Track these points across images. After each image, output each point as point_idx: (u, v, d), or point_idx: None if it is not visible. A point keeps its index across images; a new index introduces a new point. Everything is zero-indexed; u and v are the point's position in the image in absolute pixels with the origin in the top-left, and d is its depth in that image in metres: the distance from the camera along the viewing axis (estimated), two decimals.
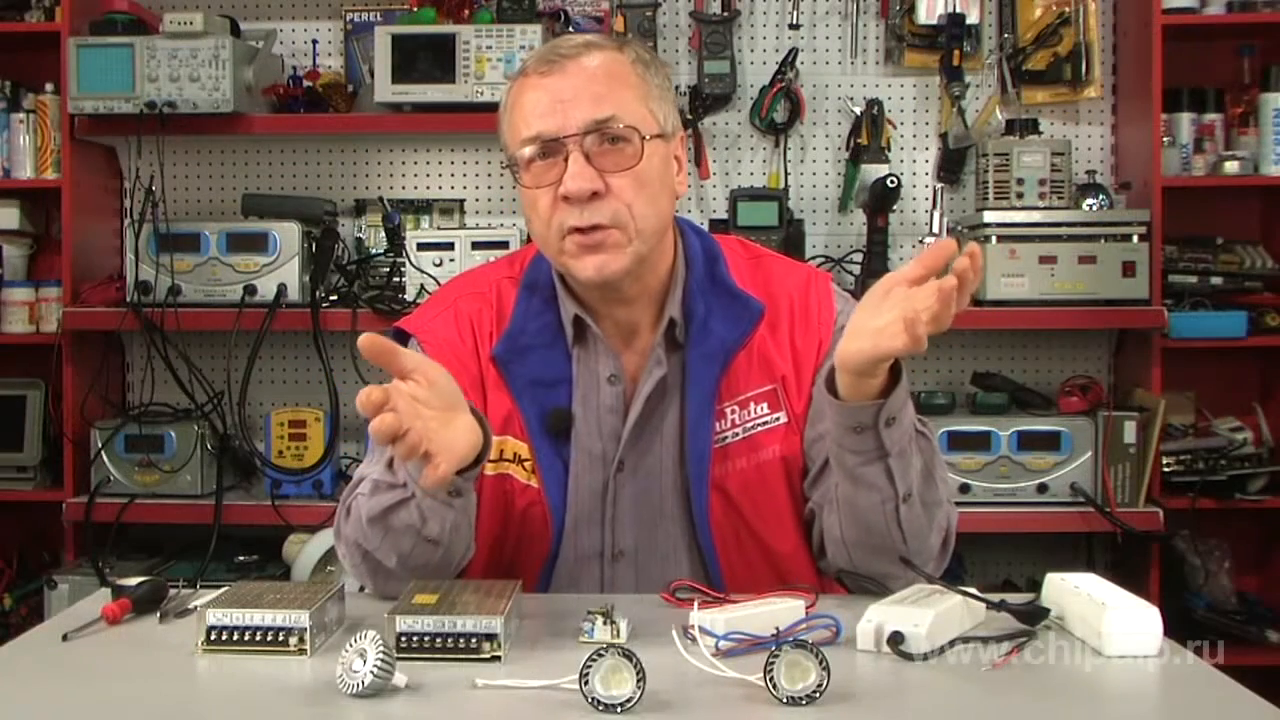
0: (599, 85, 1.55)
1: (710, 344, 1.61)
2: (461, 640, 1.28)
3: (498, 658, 1.28)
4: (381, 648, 1.18)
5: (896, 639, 1.30)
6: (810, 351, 1.65)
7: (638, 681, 1.14)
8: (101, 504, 3.09)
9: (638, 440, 1.63)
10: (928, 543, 1.56)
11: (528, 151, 1.55)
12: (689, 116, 3.32)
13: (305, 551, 2.93)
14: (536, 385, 1.62)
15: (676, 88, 3.31)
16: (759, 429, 1.63)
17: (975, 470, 3.01)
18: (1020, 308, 3.06)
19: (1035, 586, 1.49)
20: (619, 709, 1.14)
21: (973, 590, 1.41)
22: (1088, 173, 3.27)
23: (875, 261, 3.15)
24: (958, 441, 3.01)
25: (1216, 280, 3.18)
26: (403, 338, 1.72)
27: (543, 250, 1.62)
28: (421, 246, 3.11)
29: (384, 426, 1.28)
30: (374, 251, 3.33)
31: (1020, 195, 3.10)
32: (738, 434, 1.63)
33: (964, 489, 3.00)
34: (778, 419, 1.63)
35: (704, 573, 1.64)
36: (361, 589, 1.73)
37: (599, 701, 1.14)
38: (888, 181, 3.06)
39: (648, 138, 1.56)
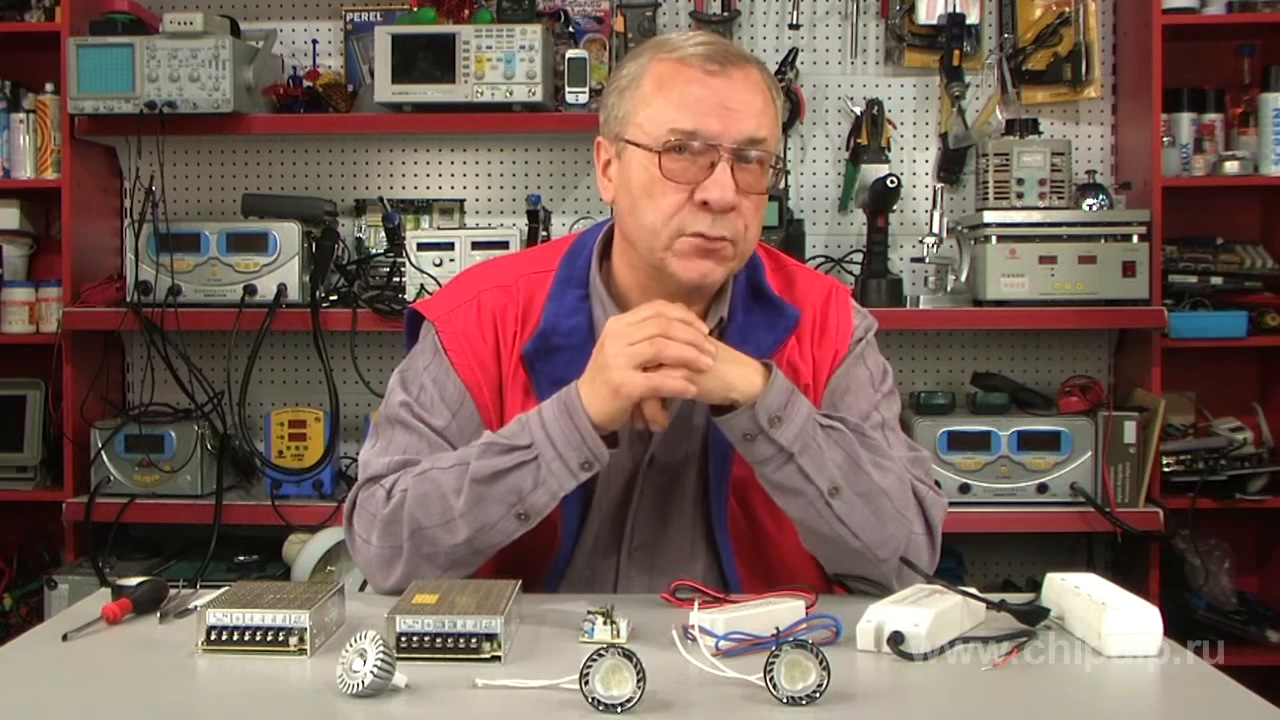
0: (759, 102, 1.55)
1: (746, 348, 1.59)
2: (461, 640, 1.28)
3: (498, 658, 1.28)
4: (381, 648, 1.18)
5: (896, 639, 1.30)
6: (826, 361, 1.66)
7: (638, 681, 1.14)
8: (101, 504, 3.09)
9: (669, 435, 1.61)
10: (887, 532, 1.55)
11: (677, 141, 1.53)
12: None
13: (305, 551, 2.93)
14: (560, 385, 1.60)
15: None
16: None
17: (975, 470, 3.01)
18: (1020, 308, 3.06)
19: (1035, 586, 1.50)
20: (619, 709, 1.14)
21: (973, 590, 1.41)
22: (1088, 173, 3.27)
23: (875, 261, 3.15)
24: (958, 441, 3.01)
25: (1216, 280, 3.18)
26: (418, 320, 1.70)
27: (642, 241, 1.58)
28: (421, 246, 3.10)
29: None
30: (374, 251, 3.33)
31: (1020, 195, 3.10)
32: None
33: (964, 489, 3.00)
34: None
35: (718, 570, 1.64)
36: (362, 587, 1.73)
37: (599, 701, 1.14)
38: (888, 181, 3.06)
39: (780, 168, 1.58)
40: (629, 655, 1.14)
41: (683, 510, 1.65)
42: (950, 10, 3.23)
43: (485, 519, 1.51)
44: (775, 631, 1.32)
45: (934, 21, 3.27)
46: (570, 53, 3.19)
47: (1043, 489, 3.01)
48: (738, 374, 1.49)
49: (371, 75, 3.22)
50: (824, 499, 1.52)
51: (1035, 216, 3.07)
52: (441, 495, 1.52)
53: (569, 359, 1.60)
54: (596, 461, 1.49)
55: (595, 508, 1.63)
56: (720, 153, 1.52)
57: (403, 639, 1.28)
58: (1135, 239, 3.04)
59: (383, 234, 3.28)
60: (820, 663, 1.15)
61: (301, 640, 1.30)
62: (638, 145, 1.55)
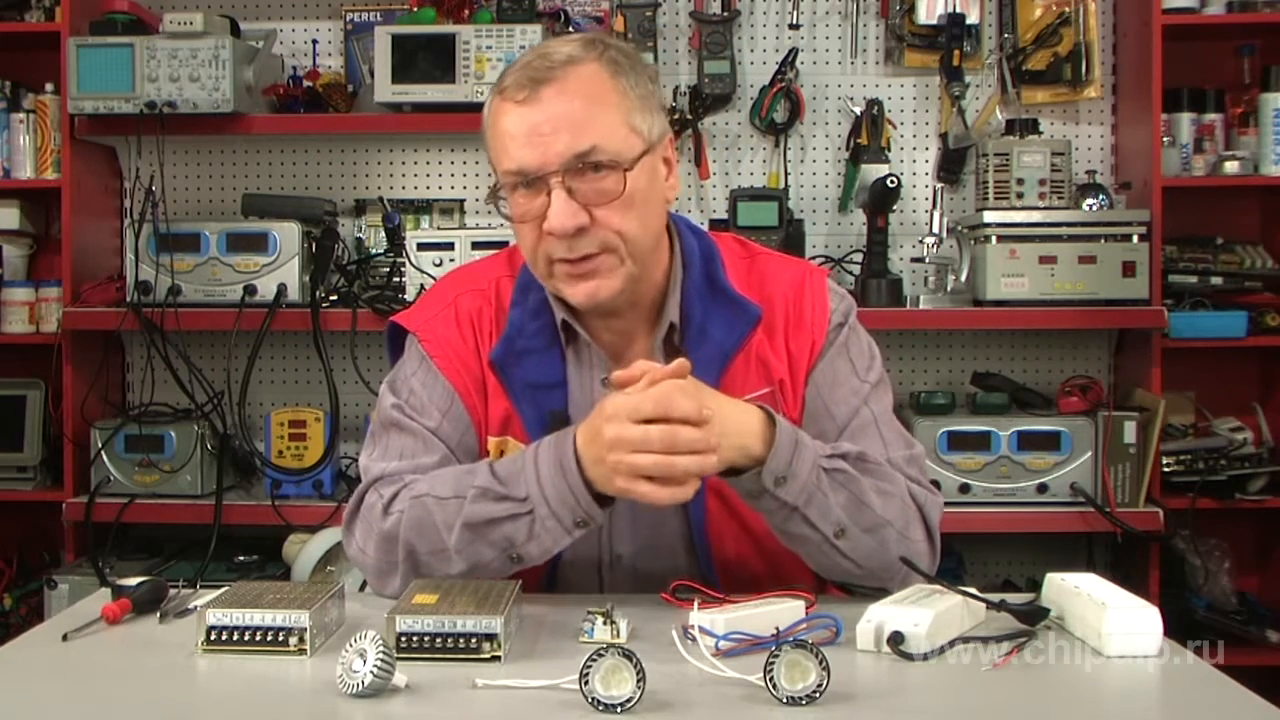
0: (578, 112, 1.50)
1: (708, 348, 1.59)
2: (461, 640, 1.28)
3: (498, 658, 1.28)
4: (381, 648, 1.18)
5: (896, 639, 1.30)
6: (803, 354, 1.64)
7: (638, 681, 1.14)
8: (101, 504, 3.08)
9: None
10: (892, 556, 1.54)
11: (509, 181, 1.53)
12: (689, 116, 3.32)
13: (305, 551, 2.93)
14: (533, 388, 1.61)
15: (676, 88, 3.33)
16: None
17: (975, 470, 3.01)
18: (1020, 308, 3.06)
19: (1035, 586, 1.50)
20: (619, 709, 1.14)
21: (973, 590, 1.41)
22: (1088, 173, 3.27)
23: (875, 261, 3.15)
24: (958, 441, 3.01)
25: (1216, 280, 3.18)
26: (399, 333, 1.71)
27: (533, 273, 1.61)
28: (421, 246, 3.10)
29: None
30: (374, 251, 3.33)
31: (1020, 195, 3.10)
32: None
33: (964, 489, 3.00)
34: None
35: (700, 576, 1.63)
36: (362, 588, 1.73)
37: (599, 701, 1.14)
38: (888, 181, 3.06)
39: (631, 165, 1.52)
40: (629, 655, 1.14)
41: (661, 517, 1.63)
42: (950, 10, 3.22)
43: (479, 559, 1.51)
44: (775, 631, 1.32)
45: (934, 21, 3.27)
46: None
47: (1043, 489, 3.01)
48: (739, 450, 1.45)
49: (371, 75, 3.22)
50: (830, 542, 1.51)
51: (1035, 216, 3.07)
52: (436, 526, 1.52)
53: (538, 361, 1.62)
54: (592, 521, 1.48)
55: None
56: (548, 181, 1.50)
57: (403, 639, 1.28)
58: (1135, 239, 3.04)
59: (383, 234, 3.28)
60: (820, 663, 1.15)
61: (301, 640, 1.30)
62: (498, 189, 1.56)
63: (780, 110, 3.36)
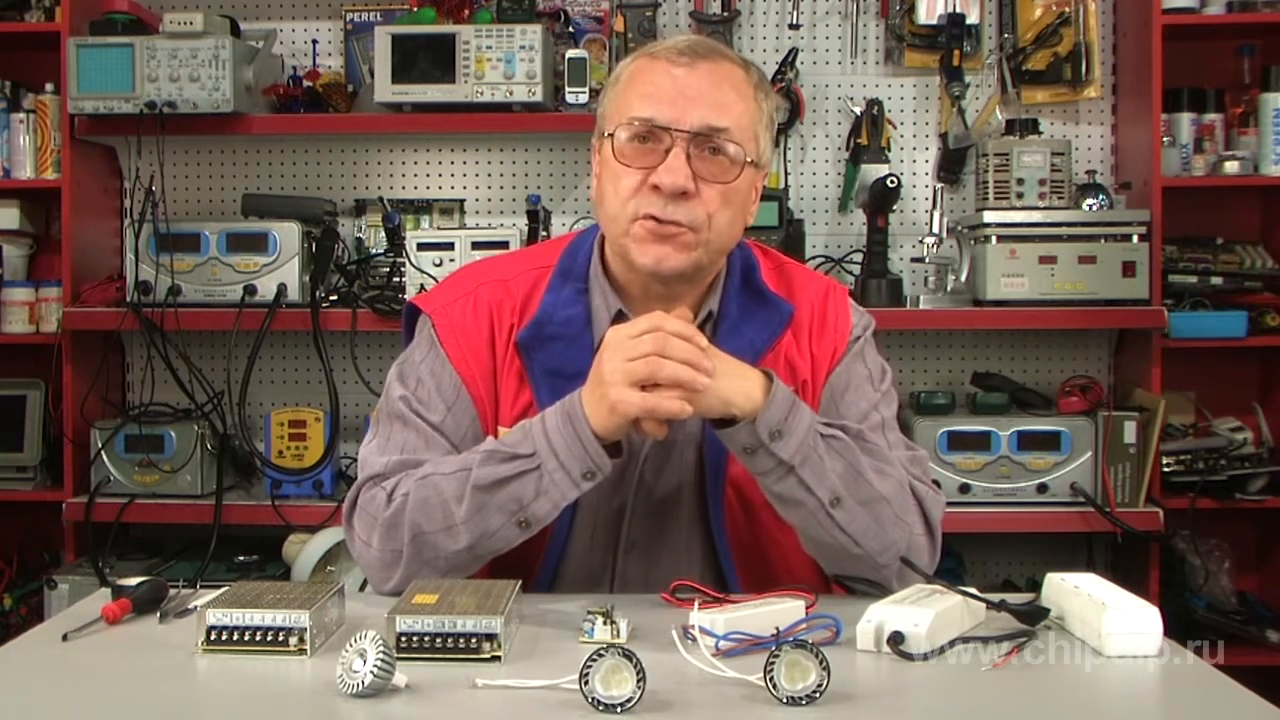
0: (725, 94, 1.56)
1: (739, 344, 1.61)
2: (461, 640, 1.28)
3: (498, 658, 1.28)
4: (381, 648, 1.18)
5: (896, 639, 1.30)
6: (825, 358, 1.66)
7: (638, 681, 1.14)
8: (101, 504, 3.09)
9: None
10: (889, 538, 1.55)
11: (634, 127, 1.56)
12: None
13: (305, 551, 2.93)
14: (555, 376, 1.61)
15: None
16: None
17: (975, 470, 3.01)
18: (1020, 308, 3.06)
19: (1035, 586, 1.50)
20: (619, 709, 1.14)
21: (973, 590, 1.41)
22: (1088, 173, 3.27)
23: (875, 262, 3.15)
24: (958, 441, 3.01)
25: (1216, 280, 3.18)
26: (415, 313, 1.71)
27: (606, 228, 1.62)
28: (421, 246, 3.10)
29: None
30: (374, 251, 3.33)
31: (1020, 195, 3.10)
32: None
33: (964, 489, 3.00)
34: None
35: (716, 570, 1.64)
36: (362, 588, 1.73)
37: (599, 701, 1.14)
38: (888, 181, 3.06)
39: (748, 162, 1.57)
40: (629, 655, 1.14)
41: (679, 506, 1.65)
42: (950, 10, 3.23)
43: (486, 527, 1.51)
44: (775, 631, 1.32)
45: (934, 21, 3.27)
46: (570, 53, 3.19)
47: (1043, 489, 3.01)
48: (737, 389, 1.48)
49: (371, 75, 3.22)
50: (825, 510, 1.52)
51: (1035, 216, 3.07)
52: (443, 501, 1.52)
53: (564, 349, 1.62)
54: (599, 471, 1.49)
55: (586, 505, 1.62)
56: (674, 138, 1.54)
57: (403, 639, 1.28)
58: (1135, 239, 3.04)
59: (383, 234, 3.28)
60: (820, 663, 1.15)
61: (301, 640, 1.30)
62: (607, 135, 1.59)
63: (780, 110, 3.36)
